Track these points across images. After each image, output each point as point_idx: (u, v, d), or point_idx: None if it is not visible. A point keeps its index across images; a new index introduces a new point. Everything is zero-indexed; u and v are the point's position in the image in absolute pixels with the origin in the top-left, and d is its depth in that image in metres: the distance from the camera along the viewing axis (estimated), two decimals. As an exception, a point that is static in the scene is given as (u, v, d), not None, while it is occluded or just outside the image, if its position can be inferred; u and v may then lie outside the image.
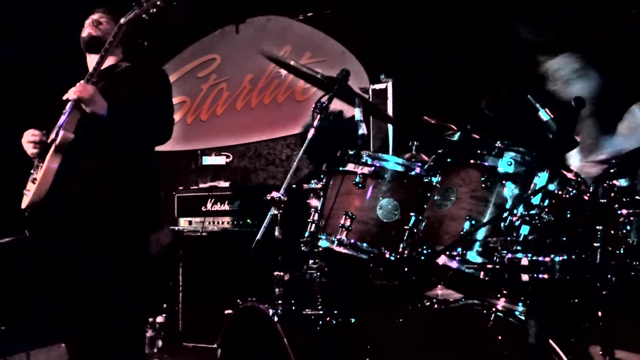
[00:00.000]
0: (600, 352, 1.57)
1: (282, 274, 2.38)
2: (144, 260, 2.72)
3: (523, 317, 1.78)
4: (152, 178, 2.77)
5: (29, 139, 2.70)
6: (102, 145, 2.63)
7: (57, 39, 3.07)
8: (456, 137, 2.23)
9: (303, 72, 2.51)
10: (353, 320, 2.24)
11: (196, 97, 4.69)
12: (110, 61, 2.83)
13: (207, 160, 4.47)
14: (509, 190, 1.87)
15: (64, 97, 2.65)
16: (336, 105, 2.58)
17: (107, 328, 2.63)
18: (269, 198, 2.33)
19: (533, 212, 1.67)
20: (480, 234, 1.87)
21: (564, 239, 1.61)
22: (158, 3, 2.64)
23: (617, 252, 1.53)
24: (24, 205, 2.69)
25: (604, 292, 1.55)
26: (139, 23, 2.68)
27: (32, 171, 2.73)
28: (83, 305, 2.66)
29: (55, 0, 4.14)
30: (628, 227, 1.52)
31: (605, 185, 1.55)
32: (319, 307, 2.31)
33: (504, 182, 1.88)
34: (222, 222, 3.87)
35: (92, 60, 2.84)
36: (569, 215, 1.63)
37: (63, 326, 2.75)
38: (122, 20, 2.68)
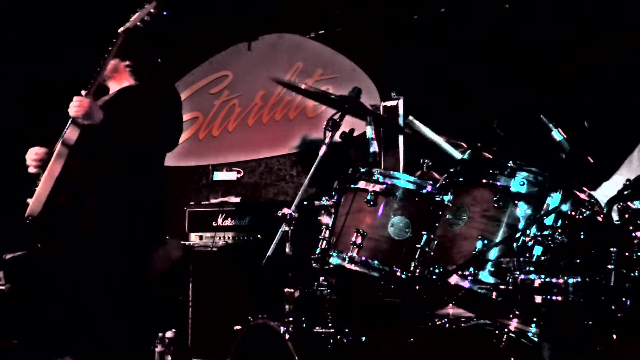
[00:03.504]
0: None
1: (292, 290, 2.37)
2: (137, 277, 2.73)
3: (536, 339, 1.76)
4: (153, 194, 2.77)
5: (33, 157, 2.76)
6: (99, 160, 2.68)
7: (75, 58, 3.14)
8: (466, 155, 2.23)
9: (315, 93, 2.53)
10: (364, 338, 2.23)
11: (208, 113, 4.73)
12: (120, 84, 2.89)
13: (218, 176, 4.49)
14: (522, 210, 1.87)
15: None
16: (348, 122, 2.59)
17: (110, 344, 2.66)
18: (280, 215, 2.34)
19: (546, 232, 1.67)
20: (493, 254, 1.87)
21: (578, 260, 1.60)
22: (152, 11, 2.75)
23: (632, 274, 1.52)
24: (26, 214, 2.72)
25: (618, 315, 1.53)
26: (136, 32, 2.77)
27: (37, 182, 2.77)
28: (81, 318, 2.71)
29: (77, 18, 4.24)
30: (642, 250, 1.51)
31: (619, 206, 1.54)
32: (330, 325, 2.30)
33: (516, 202, 1.88)
34: (233, 238, 3.87)
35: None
36: (582, 237, 1.63)
37: (69, 340, 2.80)
38: (119, 30, 2.78)
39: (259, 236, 3.79)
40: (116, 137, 2.67)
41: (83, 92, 2.74)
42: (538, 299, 1.59)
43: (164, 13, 2.79)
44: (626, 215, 1.53)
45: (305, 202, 2.41)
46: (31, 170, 2.78)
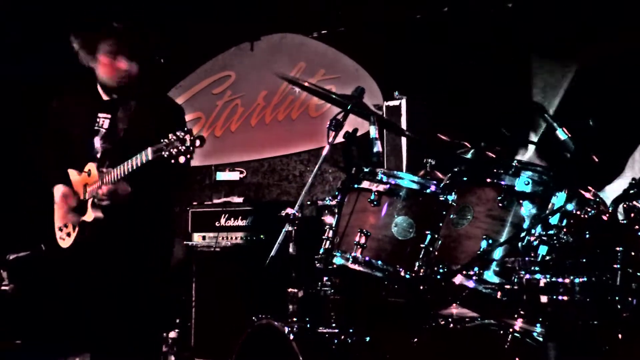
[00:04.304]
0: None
1: (296, 291, 2.37)
2: (139, 277, 2.79)
3: (541, 339, 1.76)
4: (154, 194, 2.80)
5: (64, 206, 2.79)
6: (127, 211, 2.73)
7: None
8: (469, 154, 2.23)
9: (318, 91, 2.53)
10: (368, 338, 2.23)
11: (211, 113, 4.73)
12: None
13: (221, 176, 4.49)
14: (527, 209, 1.87)
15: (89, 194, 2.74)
16: (351, 122, 2.59)
17: (113, 344, 2.68)
18: (283, 214, 2.33)
19: (551, 232, 1.66)
20: (498, 253, 1.86)
21: (583, 260, 1.59)
22: (193, 147, 2.39)
23: (638, 274, 1.51)
24: (64, 245, 2.82)
25: (624, 314, 1.53)
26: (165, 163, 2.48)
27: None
28: (84, 318, 2.74)
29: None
30: (649, 249, 1.51)
31: (624, 206, 1.54)
32: (334, 325, 2.30)
33: (521, 201, 1.87)
34: (236, 238, 3.87)
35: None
36: (587, 236, 1.62)
37: (86, 339, 2.83)
38: (149, 152, 2.46)
39: (262, 236, 3.79)
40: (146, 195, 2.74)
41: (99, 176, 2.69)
42: (543, 298, 1.58)
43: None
44: (632, 215, 1.53)
45: (308, 202, 2.40)
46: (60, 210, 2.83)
